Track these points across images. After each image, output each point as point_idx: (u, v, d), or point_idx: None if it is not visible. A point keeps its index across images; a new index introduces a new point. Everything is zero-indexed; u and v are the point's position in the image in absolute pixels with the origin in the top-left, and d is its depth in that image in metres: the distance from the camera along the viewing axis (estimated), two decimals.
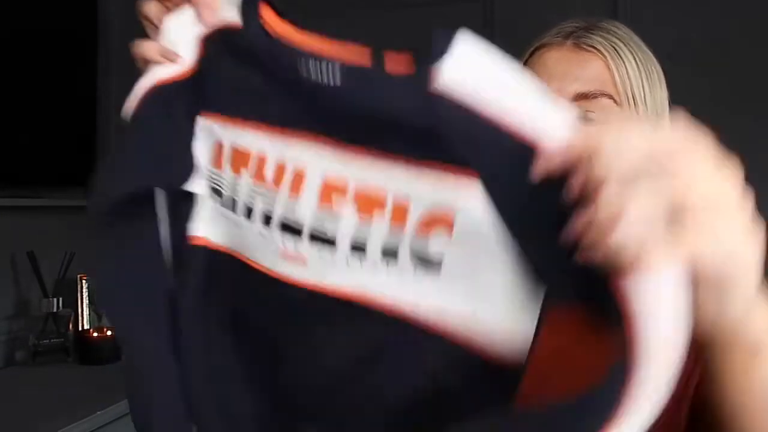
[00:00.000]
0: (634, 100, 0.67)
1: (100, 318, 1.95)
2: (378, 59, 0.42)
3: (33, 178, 1.84)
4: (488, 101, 0.38)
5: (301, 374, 0.50)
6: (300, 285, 0.48)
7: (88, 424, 1.37)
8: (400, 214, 0.43)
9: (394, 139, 0.42)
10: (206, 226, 0.54)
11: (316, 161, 0.46)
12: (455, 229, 0.42)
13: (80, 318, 1.92)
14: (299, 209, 0.47)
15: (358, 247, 0.45)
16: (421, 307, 0.43)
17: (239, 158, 0.51)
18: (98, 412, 1.41)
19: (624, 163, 0.33)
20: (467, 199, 0.41)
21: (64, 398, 1.51)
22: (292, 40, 0.46)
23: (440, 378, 0.43)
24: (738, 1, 1.93)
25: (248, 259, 0.52)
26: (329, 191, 0.46)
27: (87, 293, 1.94)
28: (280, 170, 0.48)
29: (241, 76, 0.49)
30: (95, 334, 1.83)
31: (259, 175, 0.49)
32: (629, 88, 0.67)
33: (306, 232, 0.47)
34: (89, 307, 1.94)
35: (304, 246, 0.47)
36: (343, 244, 0.45)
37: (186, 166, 0.53)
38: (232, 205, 0.52)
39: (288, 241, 0.48)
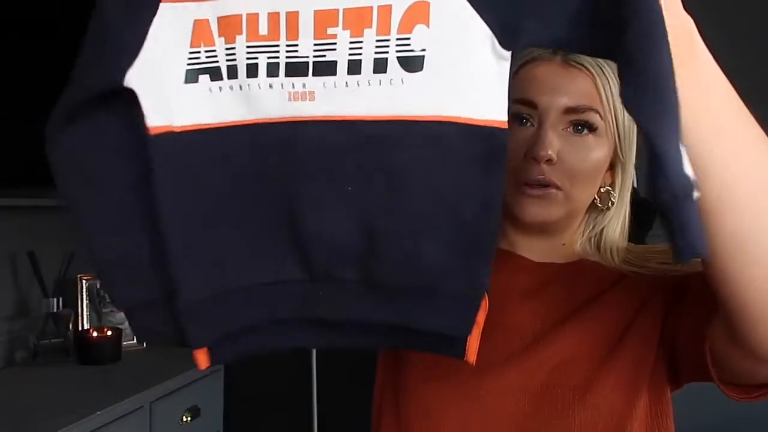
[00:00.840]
0: (615, 116, 0.72)
1: (100, 318, 1.95)
2: None
3: (33, 178, 1.84)
4: None
5: (326, 217, 0.54)
6: (310, 119, 0.53)
7: (88, 424, 1.37)
8: (384, 22, 0.51)
9: None
10: (173, 112, 0.55)
11: (304, 1, 0.52)
12: (431, 19, 0.50)
13: (80, 318, 1.92)
14: (301, 48, 0.53)
15: (354, 67, 0.52)
16: (413, 106, 0.51)
17: (230, 26, 0.54)
18: (98, 412, 1.41)
19: None
20: None
21: (64, 398, 1.51)
22: None
23: (459, 157, 0.51)
24: (739, 13, 1.93)
25: (252, 119, 0.55)
26: (323, 24, 0.52)
27: (87, 293, 1.95)
28: (275, 21, 0.53)
29: None
30: (95, 334, 1.83)
31: (253, 35, 0.54)
32: (612, 106, 0.72)
33: (311, 65, 0.53)
34: (89, 307, 1.94)
35: (310, 81, 0.53)
36: (342, 66, 0.52)
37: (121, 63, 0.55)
38: (234, 72, 0.54)
39: (296, 82, 0.53)
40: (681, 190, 0.43)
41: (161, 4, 0.55)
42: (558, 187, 0.70)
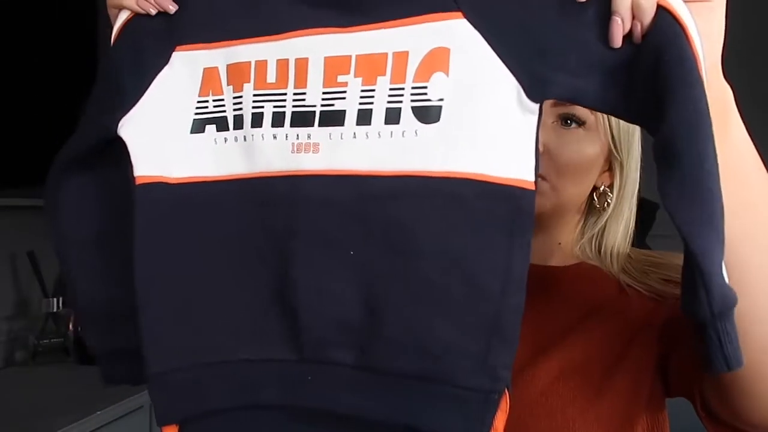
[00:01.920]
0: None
1: None
2: None
3: (33, 178, 1.84)
4: None
5: (323, 286, 0.48)
6: (313, 173, 0.48)
7: (88, 424, 1.37)
8: (400, 69, 0.47)
9: (384, 7, 0.48)
10: (171, 163, 0.53)
11: (316, 48, 0.49)
12: (451, 66, 0.46)
13: None
14: (308, 96, 0.49)
15: (364, 117, 0.47)
16: (426, 161, 0.46)
17: (239, 74, 0.51)
18: (98, 412, 1.41)
19: None
20: (458, 37, 0.45)
21: (64, 398, 1.51)
22: None
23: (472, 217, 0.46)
24: (736, 15, 1.93)
25: (253, 173, 0.51)
26: (333, 72, 0.48)
27: None
28: (283, 68, 0.50)
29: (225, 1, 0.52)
30: None
31: (261, 83, 0.50)
32: None
33: (317, 115, 0.48)
34: None
35: (316, 132, 0.48)
36: (350, 116, 0.47)
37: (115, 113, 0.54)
38: (240, 122, 0.51)
39: (301, 133, 0.49)
40: (723, 306, 0.40)
41: (174, 53, 0.53)
42: (542, 178, 0.69)
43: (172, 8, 0.54)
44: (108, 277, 0.57)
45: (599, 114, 0.70)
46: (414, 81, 0.46)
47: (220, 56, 0.52)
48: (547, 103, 0.68)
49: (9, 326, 1.83)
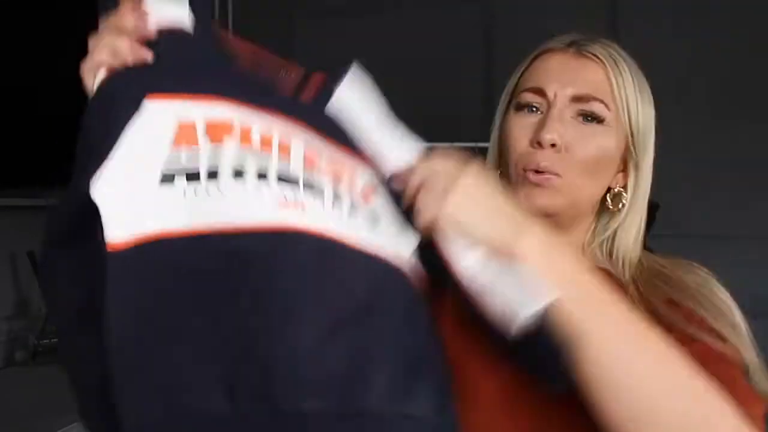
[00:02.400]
0: (627, 110, 0.71)
1: None
2: (298, 90, 0.62)
3: (33, 178, 1.84)
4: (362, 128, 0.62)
5: (287, 340, 0.50)
6: (301, 229, 0.53)
7: None
8: (352, 184, 0.59)
9: (346, 135, 0.61)
10: (142, 219, 0.51)
11: (297, 137, 0.57)
12: (376, 197, 0.60)
13: None
14: (292, 169, 0.56)
15: (337, 200, 0.57)
16: (381, 246, 0.58)
17: (220, 129, 0.53)
18: None
19: (426, 177, 0.59)
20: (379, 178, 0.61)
21: (64, 398, 1.51)
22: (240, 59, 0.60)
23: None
24: (737, 19, 1.93)
25: (229, 225, 0.51)
26: (310, 162, 0.57)
27: None
28: (267, 139, 0.55)
29: (197, 58, 0.55)
30: None
31: (245, 139, 0.54)
32: (624, 98, 0.71)
33: (301, 184, 0.55)
34: None
35: (302, 195, 0.55)
36: (327, 194, 0.57)
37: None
38: (214, 175, 0.52)
39: (288, 192, 0.54)
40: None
41: (146, 101, 0.52)
42: (557, 174, 0.69)
43: (149, 57, 0.54)
44: (97, 353, 0.53)
45: (619, 111, 0.71)
46: (361, 200, 0.59)
47: (197, 110, 0.53)
48: (567, 98, 0.70)
49: (9, 326, 1.83)
